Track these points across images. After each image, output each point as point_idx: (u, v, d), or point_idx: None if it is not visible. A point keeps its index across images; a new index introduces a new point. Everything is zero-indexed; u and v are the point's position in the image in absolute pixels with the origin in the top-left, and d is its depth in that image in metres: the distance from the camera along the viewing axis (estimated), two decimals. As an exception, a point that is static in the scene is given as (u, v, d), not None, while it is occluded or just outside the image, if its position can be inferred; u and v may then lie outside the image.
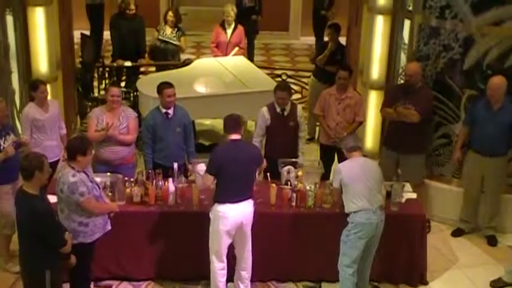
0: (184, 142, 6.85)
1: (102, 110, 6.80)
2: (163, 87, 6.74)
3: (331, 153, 7.37)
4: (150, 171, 6.45)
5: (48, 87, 7.65)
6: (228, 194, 5.67)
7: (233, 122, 5.77)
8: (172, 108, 6.76)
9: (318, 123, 8.20)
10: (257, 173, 6.04)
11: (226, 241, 5.78)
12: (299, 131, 7.01)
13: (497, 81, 6.65)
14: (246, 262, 5.92)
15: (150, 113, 6.92)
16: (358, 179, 5.69)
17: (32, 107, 6.78)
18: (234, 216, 5.67)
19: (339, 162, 7.50)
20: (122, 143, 6.72)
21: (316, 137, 8.90)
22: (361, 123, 7.39)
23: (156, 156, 6.79)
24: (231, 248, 5.89)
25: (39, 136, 6.75)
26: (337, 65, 9.00)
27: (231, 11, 9.78)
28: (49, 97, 7.33)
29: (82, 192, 5.30)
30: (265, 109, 6.99)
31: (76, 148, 5.36)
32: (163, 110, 6.77)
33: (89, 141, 5.53)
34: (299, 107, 7.10)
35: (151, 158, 6.79)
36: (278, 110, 6.93)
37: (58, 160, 6.86)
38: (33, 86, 6.84)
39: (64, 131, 7.10)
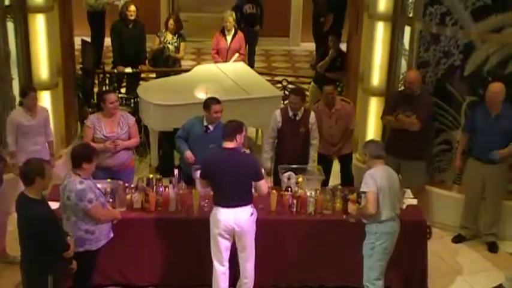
0: None
1: (99, 117, 6.73)
2: (210, 102, 6.68)
3: (327, 163, 7.40)
4: (185, 155, 6.58)
5: (49, 93, 7.71)
6: (219, 197, 5.72)
7: (228, 130, 5.74)
8: (214, 125, 6.70)
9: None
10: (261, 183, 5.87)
11: (222, 244, 5.76)
12: (311, 139, 7.03)
13: (496, 88, 6.66)
14: (246, 271, 5.90)
15: (192, 119, 6.85)
16: (384, 188, 5.57)
17: (19, 112, 6.87)
18: (225, 220, 5.67)
19: (342, 171, 7.59)
20: (128, 149, 6.74)
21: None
22: (352, 131, 7.52)
23: (183, 160, 6.77)
24: (235, 254, 5.88)
25: (24, 141, 6.81)
26: (337, 71, 9.05)
27: (230, 17, 9.81)
28: (47, 104, 7.38)
29: (90, 199, 5.31)
30: (278, 112, 7.08)
31: (81, 155, 5.38)
32: (205, 123, 6.72)
33: (92, 148, 5.58)
34: (312, 114, 7.10)
35: (185, 144, 6.73)
36: (290, 114, 6.98)
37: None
38: (23, 93, 6.90)
39: (51, 138, 7.12)
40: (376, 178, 5.55)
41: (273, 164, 7.11)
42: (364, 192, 5.55)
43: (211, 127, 6.72)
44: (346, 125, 7.36)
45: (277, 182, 6.72)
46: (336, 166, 7.64)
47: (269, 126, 7.14)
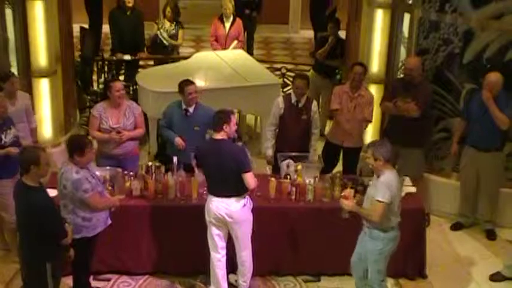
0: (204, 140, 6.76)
1: (105, 107, 6.66)
2: (184, 84, 6.67)
3: (335, 152, 7.29)
4: (175, 143, 6.57)
5: (47, 81, 7.69)
6: (211, 186, 5.75)
7: (215, 121, 5.67)
8: (193, 107, 6.71)
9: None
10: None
11: (214, 231, 5.78)
12: (312, 128, 6.97)
13: (494, 77, 6.63)
14: (241, 259, 5.91)
15: (170, 105, 6.85)
16: (396, 198, 5.38)
17: None
18: (215, 209, 5.68)
19: (346, 165, 7.35)
20: (134, 140, 6.73)
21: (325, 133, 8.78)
22: (369, 121, 7.30)
23: (170, 149, 6.79)
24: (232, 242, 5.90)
25: None
26: (337, 59, 9.03)
27: (229, 3, 9.77)
28: (46, 91, 7.30)
29: (86, 189, 5.31)
30: (280, 98, 7.05)
31: (73, 148, 5.34)
32: (184, 107, 6.73)
33: (86, 142, 5.42)
34: (314, 102, 7.07)
35: (173, 133, 6.72)
36: (293, 100, 6.94)
37: None
38: (3, 77, 6.64)
39: (34, 125, 6.91)
40: (393, 190, 5.29)
41: (273, 152, 7.09)
42: (379, 201, 5.25)
43: (190, 109, 6.71)
44: (362, 114, 7.13)
45: (277, 170, 6.71)
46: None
47: (270, 113, 7.08)
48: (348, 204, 5.45)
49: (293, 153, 6.64)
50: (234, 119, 5.75)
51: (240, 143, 6.11)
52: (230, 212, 5.68)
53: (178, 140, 6.67)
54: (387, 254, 5.49)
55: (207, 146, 5.83)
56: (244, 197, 5.72)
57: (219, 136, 5.66)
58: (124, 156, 6.67)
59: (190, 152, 6.29)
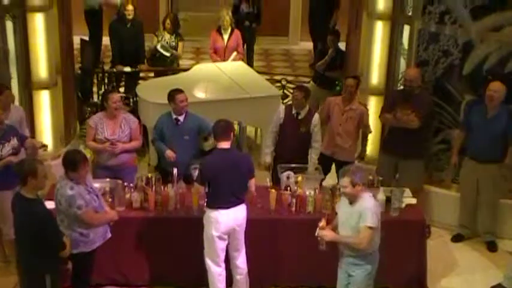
0: (195, 148, 6.80)
1: (101, 118, 6.71)
2: (174, 93, 6.71)
3: (327, 162, 7.26)
4: (166, 154, 6.59)
5: (48, 92, 7.69)
6: (220, 200, 5.67)
7: (222, 129, 5.69)
8: (183, 115, 6.73)
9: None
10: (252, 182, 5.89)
11: (220, 246, 5.77)
12: (313, 141, 6.91)
13: (497, 86, 6.65)
14: (241, 266, 5.92)
15: (160, 117, 6.88)
16: (379, 221, 5.26)
17: None
18: (226, 221, 5.68)
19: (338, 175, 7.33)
20: (129, 152, 6.72)
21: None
22: (367, 134, 7.31)
23: (163, 162, 6.79)
24: (226, 253, 5.89)
25: None
26: (336, 70, 9.04)
27: (227, 15, 9.79)
28: (46, 103, 7.28)
29: (80, 206, 5.27)
30: (282, 107, 7.10)
31: (66, 164, 5.31)
32: (174, 116, 6.75)
33: (79, 158, 5.33)
34: (316, 115, 6.97)
35: (164, 146, 6.74)
36: (293, 111, 6.94)
37: None
38: None
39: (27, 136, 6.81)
40: (378, 212, 5.20)
41: (271, 159, 7.08)
42: (371, 228, 5.10)
43: (181, 118, 6.74)
44: (354, 127, 7.12)
45: (276, 180, 6.70)
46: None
47: (272, 120, 7.09)
48: (328, 235, 5.19)
49: (292, 165, 6.62)
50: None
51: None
52: (238, 220, 5.72)
53: (169, 153, 6.68)
54: (375, 275, 5.37)
55: (218, 159, 5.71)
56: (244, 203, 5.81)
57: (226, 145, 5.67)
58: (120, 168, 6.66)
59: (183, 162, 6.42)
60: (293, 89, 7.01)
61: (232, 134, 5.73)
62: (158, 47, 9.55)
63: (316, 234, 5.21)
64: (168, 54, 9.58)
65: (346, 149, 7.16)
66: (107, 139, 6.60)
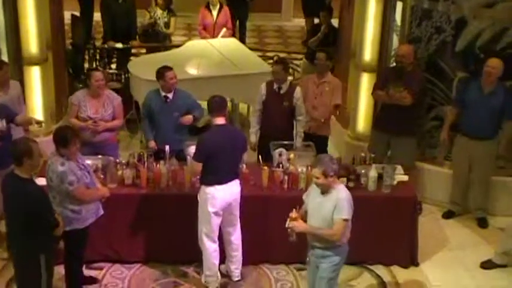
0: (184, 125, 6.78)
1: (85, 95, 6.66)
2: (163, 71, 6.67)
3: (309, 140, 7.25)
4: (148, 143, 6.59)
5: (38, 68, 7.64)
6: (216, 176, 5.67)
7: (217, 105, 5.69)
8: (172, 93, 6.71)
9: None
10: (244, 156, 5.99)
11: (216, 222, 5.78)
12: (297, 114, 6.94)
13: (496, 62, 6.64)
14: (236, 242, 5.95)
15: (148, 94, 6.85)
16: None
17: None
18: (222, 197, 5.69)
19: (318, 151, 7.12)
20: (112, 130, 6.70)
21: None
22: (338, 106, 7.29)
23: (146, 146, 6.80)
24: (220, 230, 5.91)
25: None
26: (329, 47, 9.00)
27: None
28: (37, 79, 7.24)
29: (71, 181, 5.26)
30: (263, 84, 7.04)
31: (57, 140, 5.29)
32: (163, 94, 6.72)
33: (70, 134, 5.31)
34: (298, 88, 7.00)
35: (150, 131, 6.76)
36: (275, 86, 6.93)
37: None
38: None
39: (23, 113, 6.87)
40: (352, 203, 5.00)
41: (257, 138, 7.08)
42: (345, 219, 4.95)
43: (170, 96, 6.72)
44: (329, 101, 7.16)
45: (264, 158, 6.63)
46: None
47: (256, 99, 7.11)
48: (300, 226, 5.02)
49: (284, 142, 6.62)
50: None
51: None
52: (234, 194, 5.76)
53: (152, 143, 6.69)
54: (341, 266, 5.21)
55: (217, 134, 5.70)
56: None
57: (222, 121, 5.66)
58: (102, 144, 6.65)
59: (172, 139, 6.44)
60: (271, 63, 6.98)
61: (226, 109, 5.75)
62: (157, 21, 9.49)
63: (286, 225, 5.05)
64: (162, 30, 9.51)
65: (322, 123, 7.22)
66: (90, 117, 6.58)
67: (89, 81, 6.61)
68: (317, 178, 4.95)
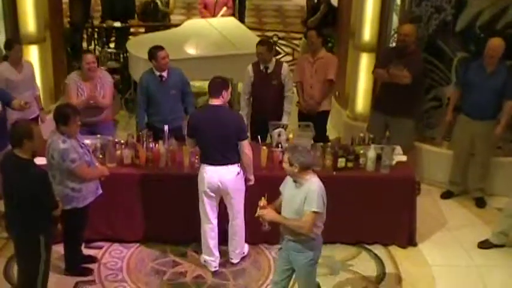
0: (182, 103, 6.82)
1: (79, 77, 6.67)
2: (155, 51, 6.66)
3: (308, 120, 7.25)
4: (140, 133, 6.45)
5: (36, 47, 7.62)
6: (205, 155, 5.70)
7: (214, 87, 5.66)
8: (166, 71, 6.71)
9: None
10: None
11: (207, 201, 5.78)
12: (285, 91, 6.98)
13: (497, 42, 6.62)
14: (235, 228, 5.94)
15: (143, 76, 6.84)
16: (325, 205, 4.95)
17: (5, 67, 6.74)
18: (209, 178, 5.68)
19: (317, 131, 7.12)
20: (100, 107, 6.70)
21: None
22: (332, 81, 7.23)
23: (152, 119, 6.78)
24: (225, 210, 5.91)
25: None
26: (329, 27, 8.97)
27: None
28: (35, 58, 7.27)
29: (73, 159, 5.28)
30: (250, 66, 7.03)
31: (57, 118, 5.31)
32: (158, 73, 6.72)
33: (71, 112, 5.34)
34: (285, 65, 7.05)
35: (144, 120, 6.78)
36: (262, 67, 6.93)
37: (36, 117, 6.89)
38: (7, 45, 6.76)
39: (37, 92, 7.04)
40: (324, 196, 4.86)
41: (248, 120, 7.06)
42: (316, 212, 4.80)
43: (164, 74, 6.73)
44: (325, 76, 7.18)
45: (252, 138, 6.63)
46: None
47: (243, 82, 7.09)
48: (269, 214, 4.93)
49: (275, 122, 6.62)
50: (231, 86, 5.71)
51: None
52: (224, 179, 5.68)
53: (143, 131, 6.63)
54: (317, 262, 5.11)
55: (203, 112, 5.77)
56: (239, 166, 5.72)
57: (217, 102, 5.62)
58: (97, 123, 6.67)
59: (171, 117, 6.47)
60: (256, 44, 6.96)
61: (226, 92, 5.62)
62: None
63: (256, 214, 4.98)
64: (161, 8, 9.47)
65: (320, 99, 7.22)
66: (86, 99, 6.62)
67: (81, 64, 6.61)
68: (285, 163, 4.86)
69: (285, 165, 4.87)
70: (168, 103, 6.69)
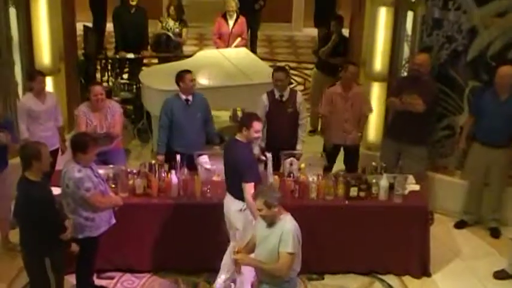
0: (205, 127, 6.92)
1: (88, 108, 6.76)
2: (183, 74, 6.81)
3: (334, 151, 7.34)
4: (157, 157, 6.60)
5: (51, 79, 7.70)
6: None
7: (240, 122, 5.78)
8: (191, 95, 6.82)
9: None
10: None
11: (227, 227, 5.82)
12: (299, 119, 7.01)
13: (507, 70, 6.63)
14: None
15: (168, 100, 6.91)
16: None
17: (29, 97, 6.84)
18: (224, 204, 5.76)
19: (346, 161, 7.39)
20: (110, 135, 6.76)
21: (319, 128, 8.88)
22: (367, 116, 7.40)
23: (176, 143, 6.82)
24: None
25: (35, 127, 6.78)
26: (340, 57, 9.01)
27: (233, 1, 9.77)
28: (50, 89, 7.36)
29: (88, 188, 5.32)
30: (264, 95, 7.04)
31: (76, 146, 5.36)
32: (184, 97, 6.81)
33: (89, 140, 5.42)
34: (299, 93, 7.12)
35: (165, 144, 6.84)
36: (277, 95, 6.95)
37: (57, 149, 6.93)
38: (30, 76, 6.87)
39: (61, 123, 7.12)
40: (299, 236, 4.74)
41: (260, 149, 7.03)
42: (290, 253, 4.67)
43: (190, 98, 6.82)
44: (360, 110, 7.25)
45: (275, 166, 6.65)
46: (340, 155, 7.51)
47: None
48: (244, 259, 4.83)
49: (287, 151, 6.61)
50: (258, 126, 5.57)
51: (264, 156, 6.20)
52: (228, 209, 5.72)
53: (160, 158, 6.75)
54: None
55: (227, 142, 5.94)
56: (242, 203, 5.59)
57: (237, 136, 5.66)
58: (107, 151, 6.69)
59: (196, 142, 6.62)
60: (273, 72, 7.02)
61: (245, 130, 5.55)
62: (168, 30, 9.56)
63: (232, 257, 4.90)
64: (173, 38, 9.57)
65: (355, 133, 7.31)
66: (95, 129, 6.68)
67: (89, 95, 6.70)
68: (260, 210, 4.71)
69: (263, 211, 4.68)
70: (194, 127, 6.79)
